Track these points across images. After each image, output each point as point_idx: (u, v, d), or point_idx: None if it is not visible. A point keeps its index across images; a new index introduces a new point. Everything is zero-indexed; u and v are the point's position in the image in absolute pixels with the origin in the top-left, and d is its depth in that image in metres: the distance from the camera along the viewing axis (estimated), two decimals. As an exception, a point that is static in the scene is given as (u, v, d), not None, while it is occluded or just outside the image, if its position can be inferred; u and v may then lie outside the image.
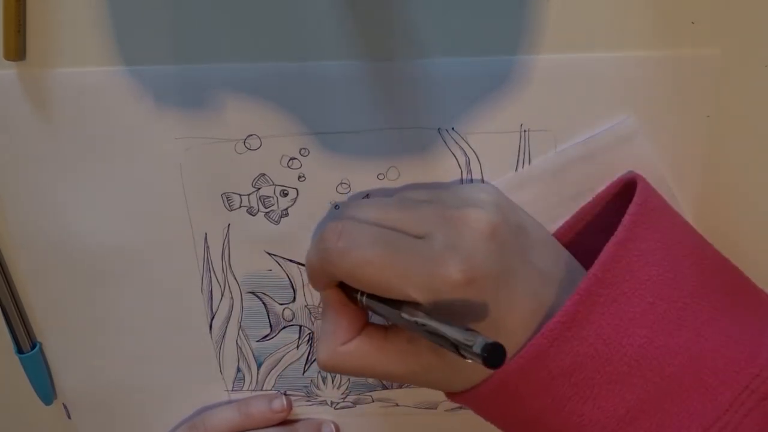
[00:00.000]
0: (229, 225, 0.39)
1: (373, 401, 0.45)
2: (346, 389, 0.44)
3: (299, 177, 0.38)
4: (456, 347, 0.27)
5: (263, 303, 0.41)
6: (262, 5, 0.34)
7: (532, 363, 0.30)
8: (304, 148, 0.37)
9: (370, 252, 0.31)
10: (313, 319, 0.42)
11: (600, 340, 0.30)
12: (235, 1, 0.34)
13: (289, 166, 0.38)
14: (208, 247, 0.40)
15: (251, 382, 0.44)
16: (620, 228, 0.32)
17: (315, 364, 0.43)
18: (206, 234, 0.40)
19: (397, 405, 0.45)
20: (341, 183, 0.38)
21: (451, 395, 0.35)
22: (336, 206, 0.38)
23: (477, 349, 0.26)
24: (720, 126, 0.35)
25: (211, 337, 0.43)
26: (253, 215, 0.39)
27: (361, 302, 0.34)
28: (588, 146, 0.36)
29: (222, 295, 0.41)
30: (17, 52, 0.36)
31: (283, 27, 0.35)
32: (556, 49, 0.35)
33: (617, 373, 0.30)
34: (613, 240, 0.31)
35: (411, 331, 0.31)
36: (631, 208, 0.32)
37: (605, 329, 0.30)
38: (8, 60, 0.36)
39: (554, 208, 0.37)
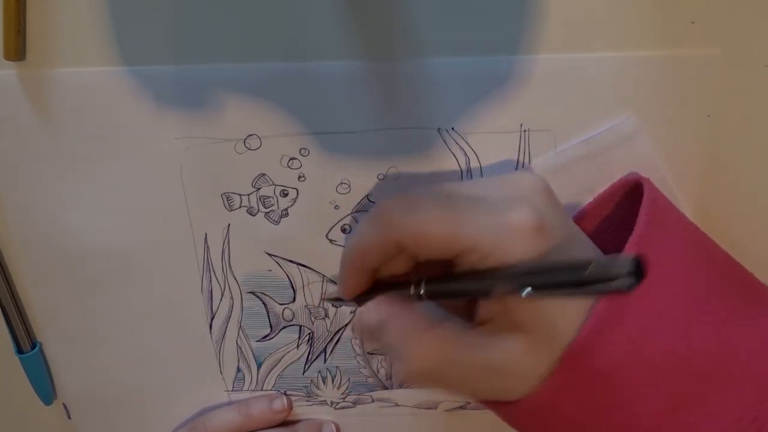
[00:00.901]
0: (229, 225, 0.39)
1: (373, 401, 0.45)
2: (346, 389, 0.44)
3: (299, 177, 0.38)
4: (583, 282, 0.25)
5: (263, 303, 0.41)
6: (262, 5, 0.34)
7: (580, 358, 0.29)
8: (304, 148, 0.37)
9: (434, 208, 0.30)
10: (313, 319, 0.42)
11: (630, 341, 0.29)
12: (235, 1, 0.34)
13: (289, 166, 0.38)
14: (208, 247, 0.40)
15: (251, 382, 0.44)
16: (638, 225, 0.31)
17: (315, 363, 0.43)
18: (206, 234, 0.39)
19: (397, 405, 0.45)
20: (341, 183, 0.38)
21: (503, 409, 0.32)
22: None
23: (623, 267, 0.24)
24: (720, 126, 0.35)
25: (211, 337, 0.43)
26: (253, 215, 0.39)
27: (418, 296, 0.32)
28: (588, 146, 0.36)
29: (222, 295, 0.41)
30: (17, 52, 0.36)
31: (283, 27, 0.35)
32: (556, 49, 0.35)
33: (648, 375, 0.29)
34: (633, 238, 0.31)
35: (507, 295, 0.29)
36: (644, 207, 0.32)
37: (634, 330, 0.29)
38: (8, 60, 0.36)
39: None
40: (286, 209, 0.39)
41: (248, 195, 0.38)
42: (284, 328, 0.42)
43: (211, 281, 0.41)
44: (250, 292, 0.41)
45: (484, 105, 0.36)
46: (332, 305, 0.41)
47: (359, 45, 0.35)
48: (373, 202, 0.38)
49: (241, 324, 0.42)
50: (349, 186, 0.38)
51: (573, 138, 0.36)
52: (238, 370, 0.44)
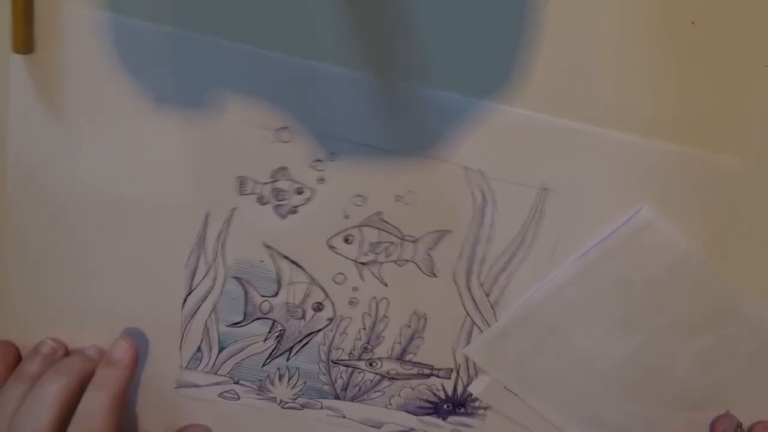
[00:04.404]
0: (234, 208, 0.39)
1: (321, 408, 0.45)
2: (300, 391, 0.44)
3: (319, 179, 0.38)
4: None
5: (245, 291, 0.41)
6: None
7: None
8: (332, 153, 0.37)
9: None
10: (288, 317, 0.42)
11: None
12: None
13: (312, 167, 0.38)
14: (207, 223, 0.39)
15: (207, 363, 0.44)
16: None
17: (277, 360, 0.43)
18: (209, 211, 0.39)
19: (344, 417, 0.45)
20: (357, 195, 0.38)
21: None
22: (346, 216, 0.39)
23: None
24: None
25: (182, 311, 0.42)
26: (262, 204, 0.39)
27: None
28: (613, 241, 0.38)
29: (206, 274, 0.41)
30: (26, 45, 0.35)
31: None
32: (590, 120, 0.36)
33: None
34: None
35: None
36: None
37: None
38: (17, 53, 0.35)
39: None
40: (297, 207, 0.39)
41: (263, 184, 0.38)
42: (257, 319, 0.42)
43: (199, 257, 0.40)
44: (235, 277, 0.41)
45: (513, 155, 0.37)
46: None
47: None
48: (385, 221, 0.39)
49: (216, 306, 0.42)
50: (365, 199, 0.38)
51: (582, 212, 0.38)
52: (199, 349, 0.43)
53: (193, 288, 0.41)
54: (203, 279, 0.41)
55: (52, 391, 0.37)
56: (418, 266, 0.40)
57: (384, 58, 0.35)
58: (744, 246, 0.39)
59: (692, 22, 0.34)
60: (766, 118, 0.36)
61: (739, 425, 0.40)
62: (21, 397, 0.37)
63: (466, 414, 0.45)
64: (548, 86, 0.36)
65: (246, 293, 0.41)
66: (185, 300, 0.41)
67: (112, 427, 0.37)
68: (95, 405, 0.37)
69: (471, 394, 0.44)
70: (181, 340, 0.43)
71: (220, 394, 0.45)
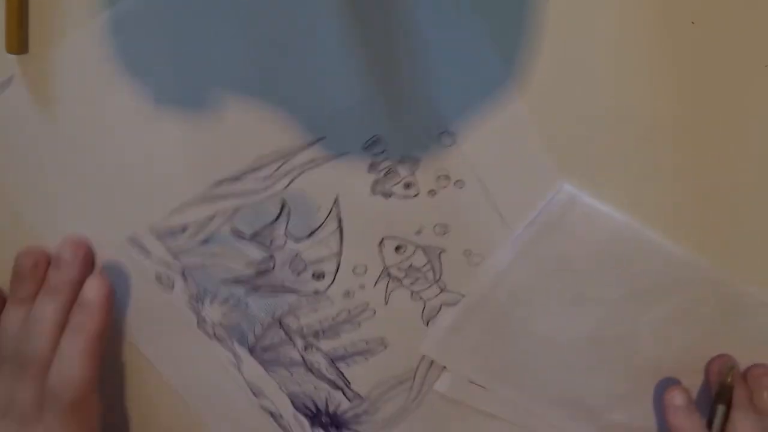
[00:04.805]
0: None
1: (228, 349, 0.43)
2: (224, 323, 0.42)
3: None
4: None
5: (278, 215, 0.39)
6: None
7: None
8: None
9: None
10: (286, 266, 0.40)
11: None
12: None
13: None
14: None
15: (181, 239, 0.40)
16: None
17: (238, 287, 0.41)
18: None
19: (239, 369, 0.44)
20: (443, 224, 0.39)
21: None
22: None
23: None
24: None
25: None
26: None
27: None
28: (538, 222, 0.39)
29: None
30: (20, 45, 0.35)
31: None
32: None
33: None
34: None
35: None
36: None
37: None
38: (11, 53, 0.35)
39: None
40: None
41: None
42: (259, 243, 0.40)
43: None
44: (284, 199, 0.38)
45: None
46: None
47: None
48: (440, 260, 0.40)
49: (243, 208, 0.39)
50: (448, 233, 0.39)
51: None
52: (186, 228, 0.39)
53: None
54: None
55: (49, 310, 0.37)
56: (423, 311, 0.41)
57: (384, 57, 0.36)
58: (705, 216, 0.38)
59: (692, 22, 0.34)
60: (766, 118, 0.35)
61: (733, 367, 0.39)
62: (21, 319, 0.38)
63: (333, 437, 0.46)
64: (548, 86, 0.35)
65: (277, 218, 0.39)
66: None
67: (91, 370, 0.37)
68: (73, 351, 0.36)
69: (355, 418, 0.45)
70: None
71: (158, 274, 0.41)
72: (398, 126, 0.37)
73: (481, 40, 0.35)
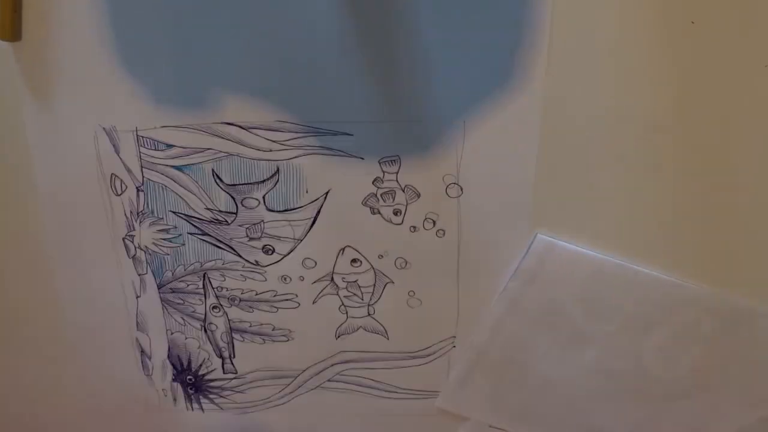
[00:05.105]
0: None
1: (142, 273, 0.41)
2: (151, 246, 0.40)
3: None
4: None
5: (277, 180, 0.38)
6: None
7: None
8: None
9: None
10: (245, 228, 0.39)
11: None
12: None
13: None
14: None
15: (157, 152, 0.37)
16: None
17: (183, 221, 0.39)
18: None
19: (138, 297, 0.41)
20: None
21: None
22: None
23: None
24: None
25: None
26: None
27: None
28: (521, 272, 0.39)
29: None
30: (13, 32, 0.35)
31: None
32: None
33: None
34: None
35: None
36: None
37: None
38: (4, 41, 0.35)
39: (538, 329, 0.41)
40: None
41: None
42: (231, 196, 0.38)
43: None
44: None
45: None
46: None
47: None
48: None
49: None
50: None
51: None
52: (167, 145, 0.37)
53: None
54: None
55: None
56: (341, 325, 0.42)
57: (384, 58, 0.36)
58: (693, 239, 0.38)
59: (692, 22, 0.33)
60: (766, 118, 0.35)
61: None
62: None
63: (188, 396, 0.45)
64: (548, 86, 0.35)
65: (263, 181, 0.38)
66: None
67: None
68: None
69: (218, 389, 0.44)
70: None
71: (114, 175, 0.38)
72: (416, 152, 0.37)
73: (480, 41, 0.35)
